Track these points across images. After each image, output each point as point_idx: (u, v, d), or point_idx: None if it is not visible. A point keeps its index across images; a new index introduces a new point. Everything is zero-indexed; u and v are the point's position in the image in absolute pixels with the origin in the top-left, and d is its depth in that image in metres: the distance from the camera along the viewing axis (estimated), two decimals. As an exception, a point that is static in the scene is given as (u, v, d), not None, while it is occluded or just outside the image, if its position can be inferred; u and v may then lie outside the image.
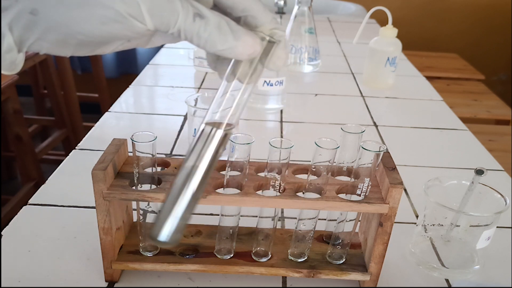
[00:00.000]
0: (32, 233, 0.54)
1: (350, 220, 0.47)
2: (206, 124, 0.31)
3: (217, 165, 0.47)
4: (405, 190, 0.68)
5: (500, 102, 1.78)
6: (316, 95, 1.04)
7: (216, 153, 0.31)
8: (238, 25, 0.30)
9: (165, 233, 0.29)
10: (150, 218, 0.47)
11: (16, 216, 0.57)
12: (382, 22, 1.15)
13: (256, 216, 0.47)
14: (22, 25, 0.29)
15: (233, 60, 0.32)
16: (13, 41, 0.30)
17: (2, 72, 0.31)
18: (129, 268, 0.47)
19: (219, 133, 0.31)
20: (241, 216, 0.47)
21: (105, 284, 0.48)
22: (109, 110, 0.90)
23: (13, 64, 0.31)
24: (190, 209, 0.30)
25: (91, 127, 0.82)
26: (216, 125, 0.31)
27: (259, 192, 0.44)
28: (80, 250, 0.52)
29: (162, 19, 0.29)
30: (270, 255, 0.48)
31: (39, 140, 2.05)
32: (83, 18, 0.28)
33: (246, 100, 0.32)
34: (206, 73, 1.12)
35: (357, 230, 0.52)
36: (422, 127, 0.90)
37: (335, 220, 0.48)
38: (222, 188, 0.45)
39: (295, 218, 0.48)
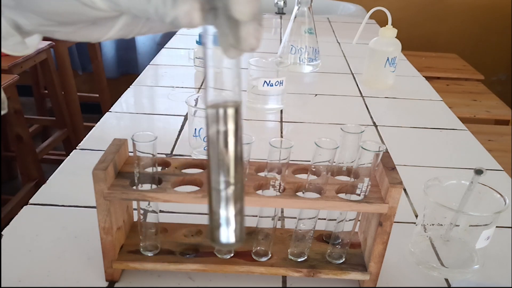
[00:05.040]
0: (33, 233, 0.54)
1: (350, 220, 0.47)
2: (210, 107, 0.27)
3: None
4: (405, 190, 0.68)
5: (499, 102, 1.78)
6: (316, 95, 1.04)
7: (238, 133, 0.27)
8: None
9: (230, 235, 0.27)
10: (150, 217, 0.47)
11: (16, 216, 0.57)
12: (382, 22, 1.15)
13: (256, 216, 0.47)
14: (9, 10, 0.30)
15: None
16: (8, 26, 0.30)
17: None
18: (130, 268, 0.47)
19: (231, 111, 0.27)
20: (241, 215, 0.47)
21: (106, 284, 0.48)
22: (109, 110, 0.90)
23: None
24: (240, 203, 0.27)
25: (92, 127, 0.82)
26: (221, 105, 0.27)
27: (259, 192, 0.45)
28: (80, 249, 0.52)
29: None
30: (270, 255, 0.48)
31: (39, 140, 2.05)
32: None
33: (239, 72, 0.28)
34: (206, 73, 1.12)
35: (356, 229, 0.52)
36: (422, 127, 0.90)
37: (335, 219, 0.48)
38: (222, 188, 0.45)
39: (295, 217, 0.48)
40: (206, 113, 0.27)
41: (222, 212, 0.27)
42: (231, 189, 0.27)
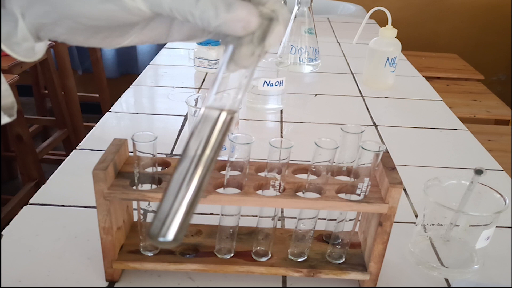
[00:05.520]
0: (33, 233, 0.54)
1: (350, 220, 0.47)
2: (207, 108, 0.28)
3: (217, 165, 0.47)
4: (405, 189, 0.68)
5: (499, 102, 1.78)
6: (316, 95, 1.04)
7: (222, 138, 0.28)
8: None
9: (169, 232, 0.26)
10: (150, 217, 0.47)
11: (16, 216, 0.57)
12: (382, 22, 1.15)
13: (256, 216, 0.47)
14: (35, 12, 0.29)
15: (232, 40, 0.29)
16: (27, 30, 0.30)
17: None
18: (130, 268, 0.47)
19: (223, 117, 0.27)
20: (241, 215, 0.47)
21: (106, 284, 0.48)
22: (109, 110, 0.90)
23: (31, 52, 0.31)
24: (195, 203, 0.27)
25: (92, 127, 0.82)
26: (217, 108, 0.28)
27: (259, 192, 0.45)
28: (80, 249, 0.52)
29: None
30: (270, 255, 0.48)
31: (39, 140, 2.06)
32: None
33: (246, 84, 0.29)
34: (206, 73, 1.12)
35: (356, 229, 0.52)
36: (422, 127, 0.90)
37: (335, 219, 0.48)
38: (222, 188, 0.45)
39: (295, 217, 0.48)
40: (200, 112, 0.28)
41: (172, 210, 0.27)
42: (192, 189, 0.27)
